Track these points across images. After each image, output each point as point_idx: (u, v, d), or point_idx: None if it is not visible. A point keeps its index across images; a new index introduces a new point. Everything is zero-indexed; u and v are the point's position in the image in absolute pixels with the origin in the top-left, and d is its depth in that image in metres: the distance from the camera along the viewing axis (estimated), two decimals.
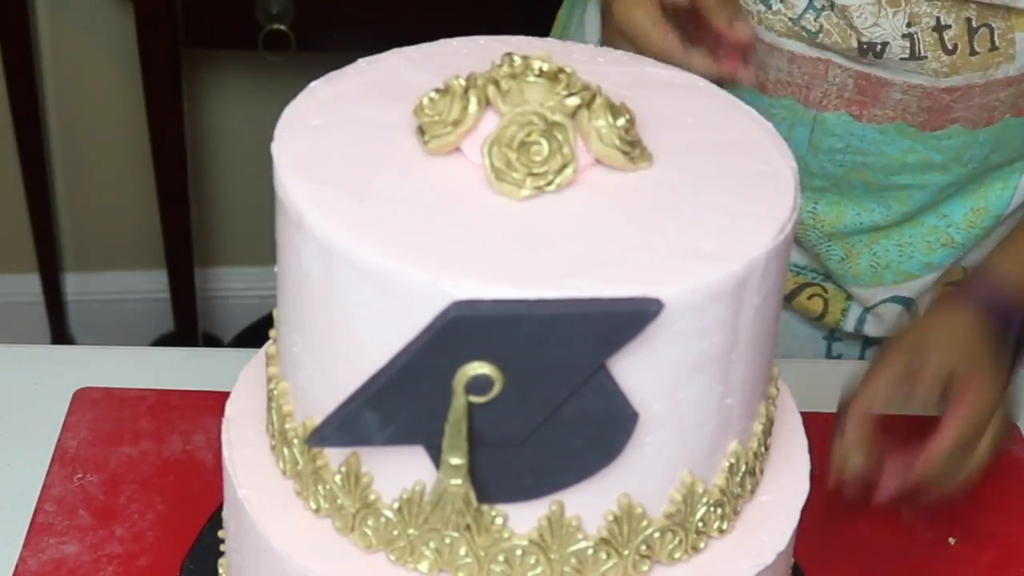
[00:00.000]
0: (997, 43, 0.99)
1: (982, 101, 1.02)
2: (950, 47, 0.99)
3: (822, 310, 1.16)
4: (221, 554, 0.81)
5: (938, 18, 0.98)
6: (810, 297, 1.16)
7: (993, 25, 0.99)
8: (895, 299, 1.14)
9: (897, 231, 1.11)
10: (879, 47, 0.99)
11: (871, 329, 1.16)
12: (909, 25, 0.98)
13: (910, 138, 1.05)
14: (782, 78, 1.04)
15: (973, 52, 0.99)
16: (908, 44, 0.99)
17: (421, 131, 0.69)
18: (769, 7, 1.01)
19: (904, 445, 0.90)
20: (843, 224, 1.10)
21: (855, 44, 0.99)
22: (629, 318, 0.62)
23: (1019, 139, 1.07)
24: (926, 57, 0.99)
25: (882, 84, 1.02)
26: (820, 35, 1.00)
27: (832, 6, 0.99)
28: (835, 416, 0.91)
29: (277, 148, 0.69)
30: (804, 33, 1.01)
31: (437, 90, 0.68)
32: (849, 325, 1.16)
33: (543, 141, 0.66)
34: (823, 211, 1.10)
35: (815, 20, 1.00)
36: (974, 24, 0.98)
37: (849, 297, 1.15)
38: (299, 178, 0.67)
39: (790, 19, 1.01)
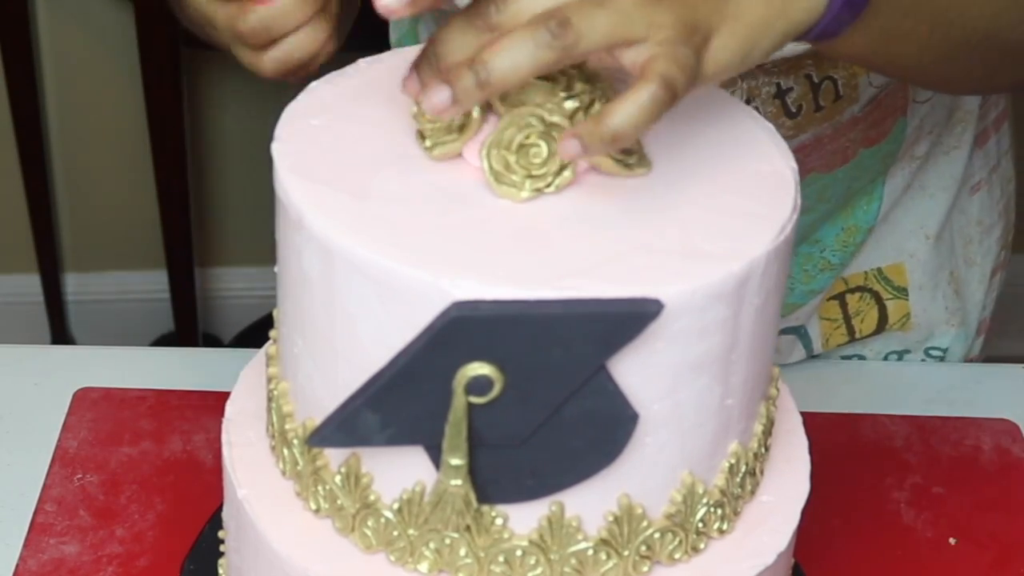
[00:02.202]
0: (841, 92, 0.98)
1: (833, 147, 1.01)
2: (793, 110, 0.97)
3: None
4: (221, 554, 0.81)
5: (778, 84, 0.96)
6: None
7: (835, 76, 0.96)
8: (785, 330, 1.13)
9: None
10: None
11: None
12: (749, 101, 0.95)
13: None
14: None
15: (818, 108, 0.97)
16: None
17: (421, 135, 0.69)
18: None
19: None
20: None
21: None
22: (629, 318, 0.62)
23: (875, 163, 1.05)
24: None
25: None
26: None
27: None
28: None
29: (277, 148, 0.69)
30: None
31: None
32: None
33: (542, 143, 0.66)
34: None
35: None
36: (815, 80, 0.96)
37: None
38: (299, 178, 0.67)
39: None
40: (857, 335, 1.15)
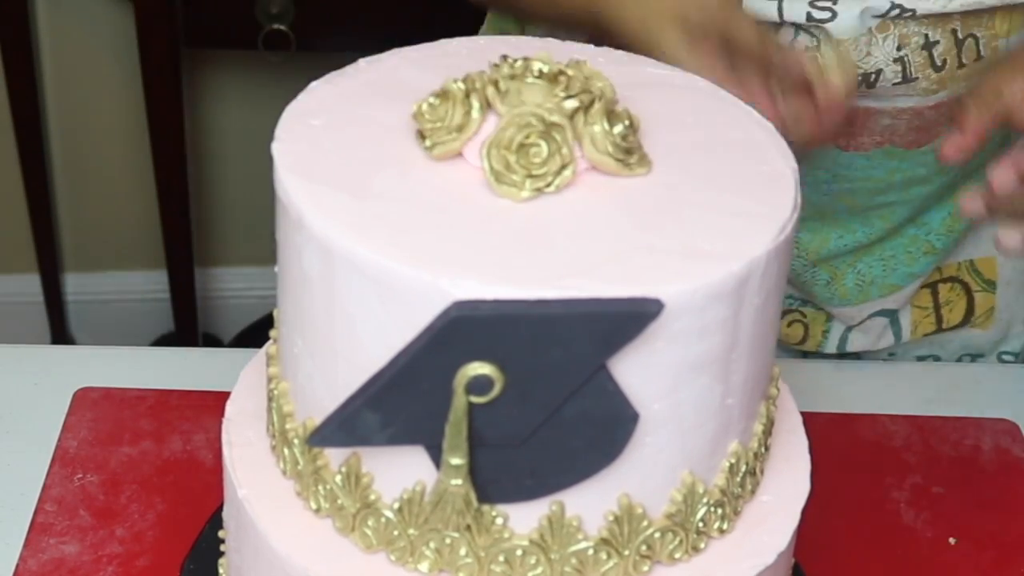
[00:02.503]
0: (983, 52, 0.99)
1: None
2: (939, 63, 0.99)
3: (803, 335, 1.16)
4: (221, 554, 0.81)
5: (926, 35, 0.98)
6: (790, 324, 1.16)
7: (978, 35, 0.98)
8: (881, 312, 1.14)
9: (879, 247, 1.11)
10: (872, 77, 0.98)
11: (854, 345, 1.16)
12: (899, 48, 0.98)
13: (897, 159, 1.04)
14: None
15: (961, 65, 0.99)
16: (900, 68, 0.98)
17: (421, 135, 0.69)
18: None
19: None
20: (827, 249, 1.10)
21: None
22: (629, 318, 0.62)
23: (996, 139, 1.07)
24: (917, 78, 0.99)
25: (870, 113, 1.01)
26: None
27: (818, 45, 0.97)
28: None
29: (277, 148, 0.69)
30: None
31: (436, 94, 0.68)
32: (831, 346, 1.16)
33: (542, 143, 0.66)
34: (806, 239, 1.09)
35: None
36: (960, 36, 0.98)
37: (829, 318, 1.15)
38: (299, 178, 0.67)
39: None
40: (944, 325, 1.17)
